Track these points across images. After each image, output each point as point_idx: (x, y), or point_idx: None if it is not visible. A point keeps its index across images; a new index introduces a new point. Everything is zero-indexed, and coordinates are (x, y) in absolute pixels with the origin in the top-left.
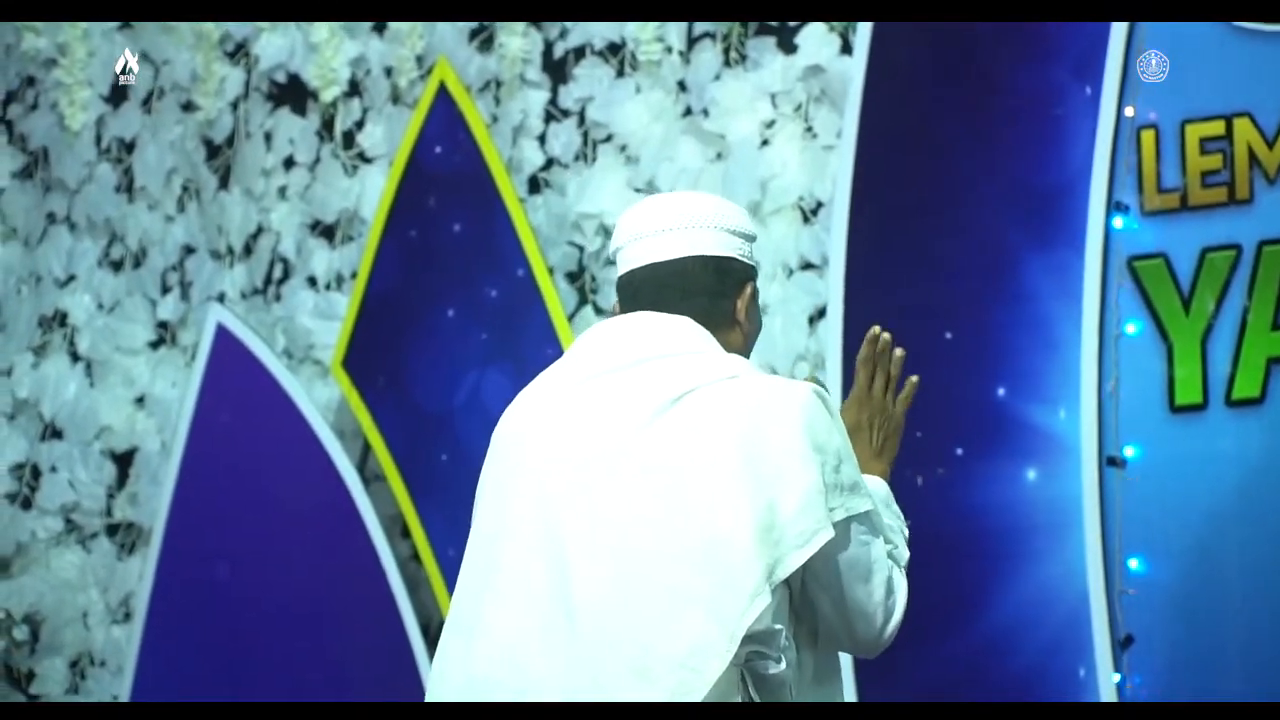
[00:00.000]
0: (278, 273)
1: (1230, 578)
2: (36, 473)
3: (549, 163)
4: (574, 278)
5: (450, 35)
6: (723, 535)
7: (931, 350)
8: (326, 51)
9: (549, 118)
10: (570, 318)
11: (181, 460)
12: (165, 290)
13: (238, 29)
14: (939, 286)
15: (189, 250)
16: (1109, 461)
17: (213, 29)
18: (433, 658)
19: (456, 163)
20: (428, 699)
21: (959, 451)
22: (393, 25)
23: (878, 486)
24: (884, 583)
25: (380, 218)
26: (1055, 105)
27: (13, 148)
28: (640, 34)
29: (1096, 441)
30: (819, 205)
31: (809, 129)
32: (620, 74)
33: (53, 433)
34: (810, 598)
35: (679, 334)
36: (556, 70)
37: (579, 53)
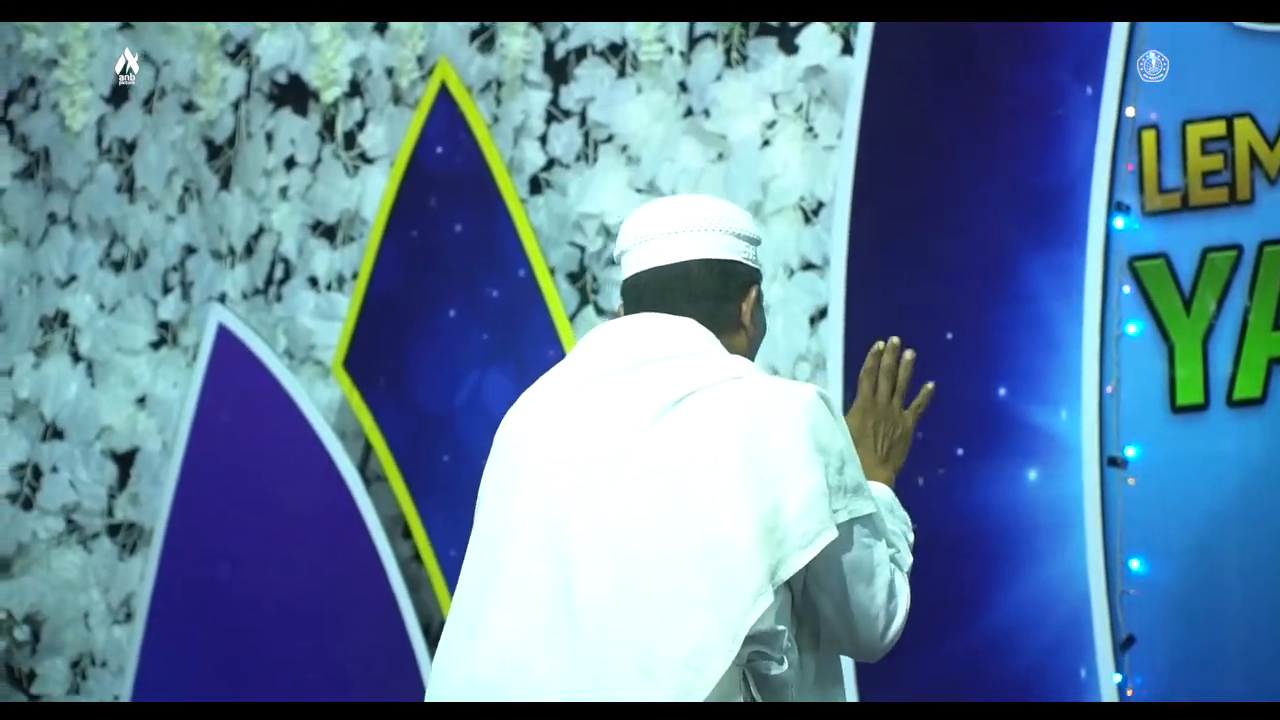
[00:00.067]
0: (279, 273)
1: (1231, 578)
2: (38, 473)
3: (550, 163)
4: (575, 278)
5: (451, 36)
6: (725, 536)
7: (932, 350)
8: (327, 52)
9: (550, 118)
10: (571, 318)
11: (183, 460)
12: (166, 290)
13: (239, 29)
14: (940, 286)
15: (190, 250)
16: (1110, 462)
17: (214, 29)
18: (433, 658)
19: (458, 163)
20: (428, 699)
21: (960, 452)
22: (394, 26)
23: (882, 492)
24: (886, 586)
25: (381, 218)
26: (1056, 105)
27: (14, 148)
28: (641, 34)
29: (1097, 442)
30: (820, 205)
31: (810, 129)
32: (621, 74)
33: (54, 433)
34: (812, 600)
35: (682, 335)
36: (558, 71)
37: (580, 53)
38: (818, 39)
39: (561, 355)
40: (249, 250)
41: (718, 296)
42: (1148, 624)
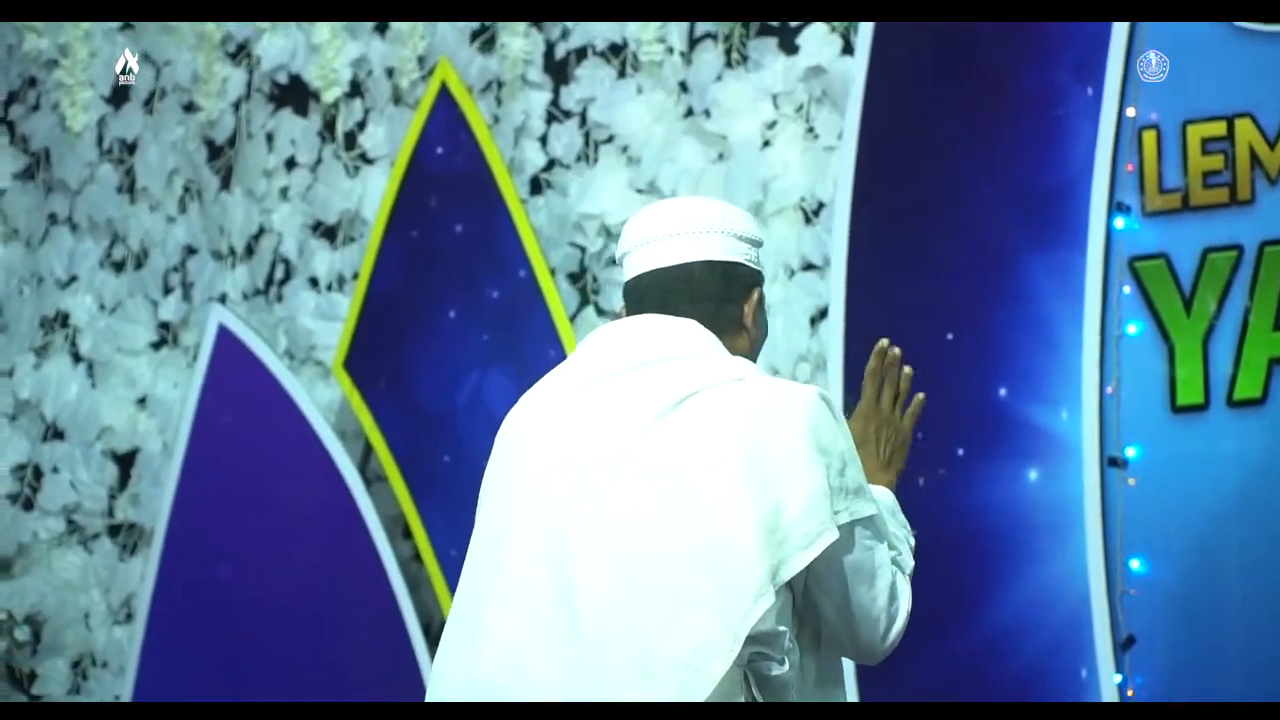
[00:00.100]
0: (279, 273)
1: (1231, 578)
2: (38, 473)
3: (550, 163)
4: (576, 278)
5: (452, 36)
6: (726, 537)
7: (933, 351)
8: (328, 52)
9: (550, 118)
10: (572, 319)
11: (183, 461)
12: (167, 291)
13: (239, 30)
14: (940, 287)
15: (190, 251)
16: (1110, 462)
17: (214, 30)
18: (434, 659)
19: (458, 163)
20: (428, 699)
21: (960, 452)
22: (394, 26)
23: (884, 496)
24: (887, 588)
25: (382, 218)
26: (1056, 105)
27: (14, 148)
28: (642, 35)
29: (1098, 442)
30: (820, 206)
31: (810, 130)
32: (622, 75)
33: (54, 433)
34: (813, 601)
35: (684, 337)
36: (558, 71)
37: (580, 53)
38: (818, 39)
39: (562, 356)
40: (249, 251)
41: (719, 298)
42: (1148, 624)
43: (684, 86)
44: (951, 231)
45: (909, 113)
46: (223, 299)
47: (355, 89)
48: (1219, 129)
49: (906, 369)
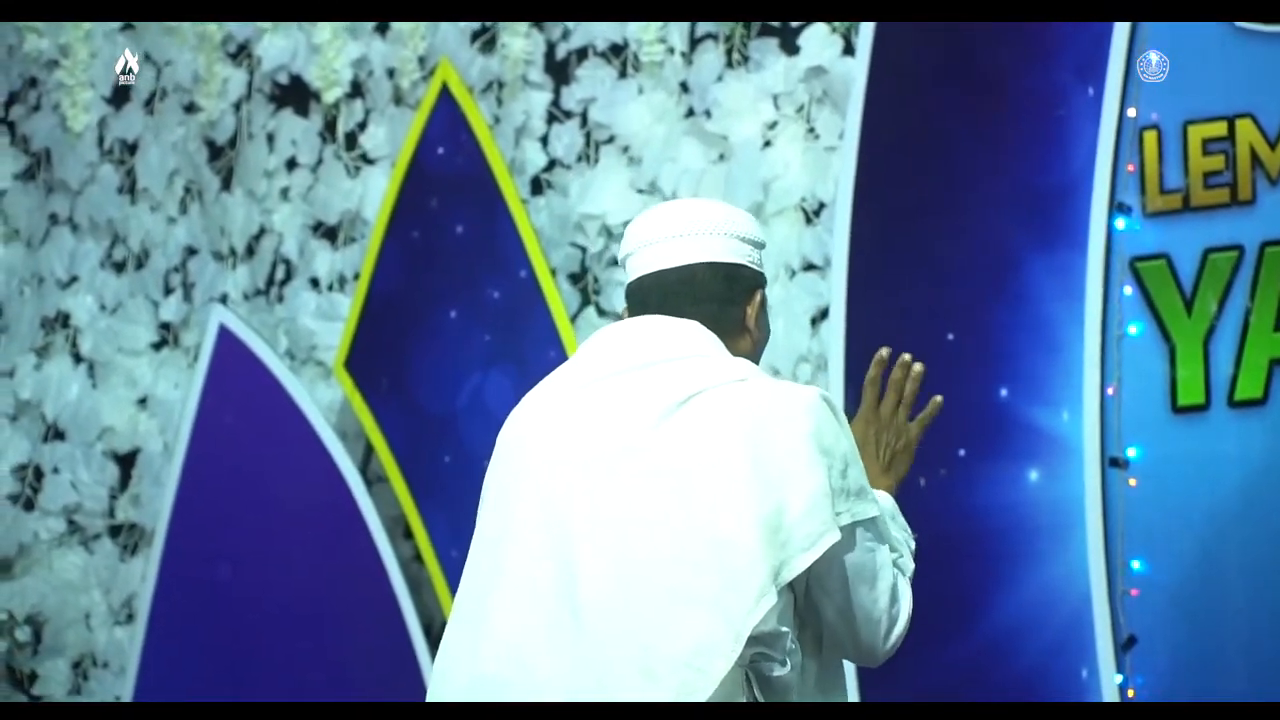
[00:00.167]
0: (280, 274)
1: (1232, 578)
2: (39, 474)
3: (551, 164)
4: (576, 279)
5: (452, 36)
6: (729, 537)
7: (933, 351)
8: (329, 53)
9: (551, 119)
10: (573, 319)
11: (184, 461)
12: (168, 291)
13: (240, 30)
14: (941, 287)
15: (191, 251)
16: (1111, 463)
17: (215, 30)
18: (435, 659)
19: (459, 164)
20: (429, 699)
21: (961, 453)
22: (395, 26)
23: (884, 501)
24: (889, 590)
25: (382, 219)
26: (1057, 106)
27: (15, 149)
28: (642, 35)
29: (1099, 442)
30: (821, 206)
31: (811, 130)
32: (622, 75)
33: (55, 434)
34: (814, 603)
35: (687, 337)
36: (559, 71)
37: (581, 54)
38: (819, 40)
39: (563, 356)
40: (250, 251)
41: (722, 300)
42: (1149, 624)
43: (685, 87)
44: (952, 232)
45: (910, 113)
46: (224, 299)
47: (356, 89)
48: (1220, 129)
49: (917, 366)
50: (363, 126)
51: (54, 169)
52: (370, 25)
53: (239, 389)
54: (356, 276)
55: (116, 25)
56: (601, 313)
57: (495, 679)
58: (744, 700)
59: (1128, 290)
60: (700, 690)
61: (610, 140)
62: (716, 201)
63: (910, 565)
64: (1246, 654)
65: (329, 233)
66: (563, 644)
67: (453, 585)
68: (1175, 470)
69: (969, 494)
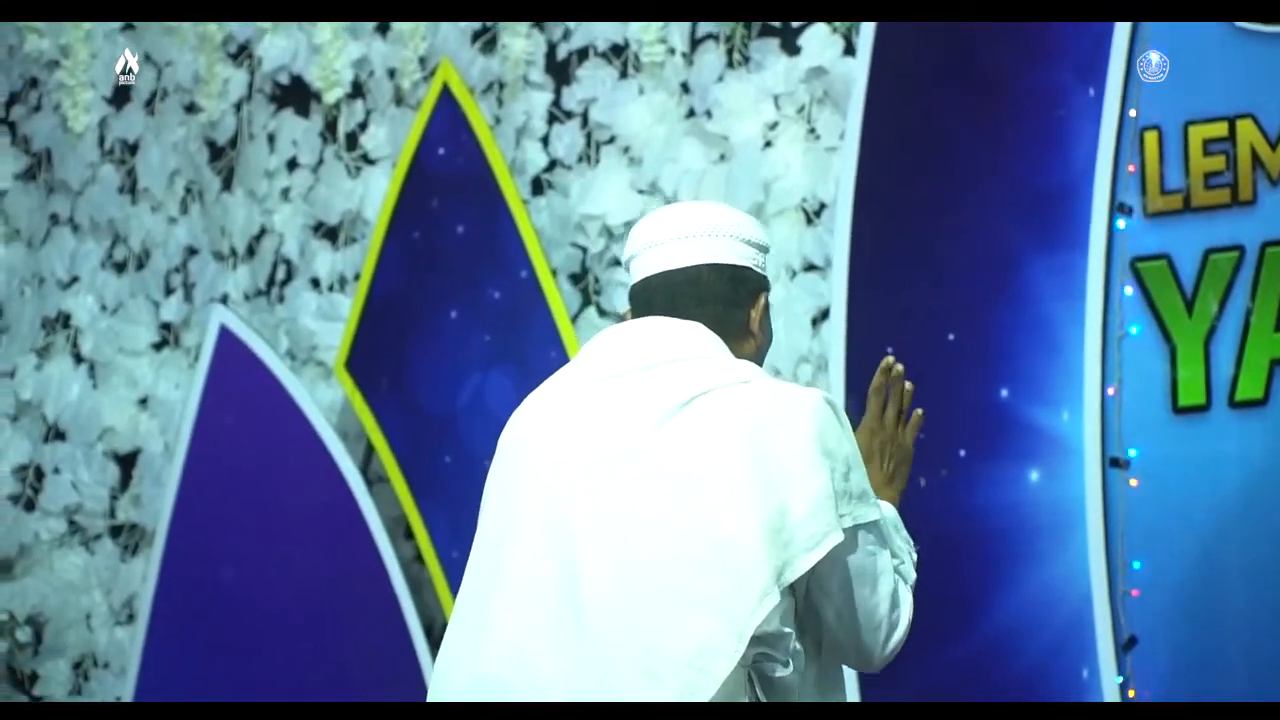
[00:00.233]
0: (281, 274)
1: (1233, 579)
2: (40, 474)
3: (552, 164)
4: (577, 279)
5: (453, 37)
6: (732, 537)
7: (934, 352)
8: (329, 53)
9: (552, 119)
10: (573, 319)
11: (184, 462)
12: (168, 292)
13: (240, 30)
14: (942, 288)
15: (192, 252)
16: (1112, 463)
17: (215, 30)
18: (435, 659)
19: (460, 164)
20: (430, 699)
21: (962, 453)
22: (396, 26)
23: (887, 511)
24: (889, 595)
25: (383, 219)
26: (1058, 106)
27: (16, 149)
28: (643, 35)
29: (1099, 443)
30: (822, 207)
31: (812, 130)
32: (623, 75)
33: (56, 434)
34: (814, 606)
35: (690, 339)
36: (559, 72)
37: (582, 54)
38: (820, 40)
39: (563, 356)
40: (251, 251)
41: (727, 302)
42: (1149, 625)
43: (685, 87)
44: (953, 232)
45: (910, 113)
46: (224, 300)
47: (357, 90)
48: (1220, 130)
49: (908, 385)
50: (363, 127)
51: (55, 169)
52: (371, 25)
53: (240, 389)
54: (357, 277)
55: (117, 25)
56: (602, 313)
57: (497, 679)
58: (746, 700)
59: (1128, 291)
60: (703, 690)
61: (611, 140)
62: (722, 205)
63: (912, 575)
64: (1247, 654)
65: (330, 233)
66: (565, 644)
67: (453, 586)
68: (1176, 471)
69: (969, 494)
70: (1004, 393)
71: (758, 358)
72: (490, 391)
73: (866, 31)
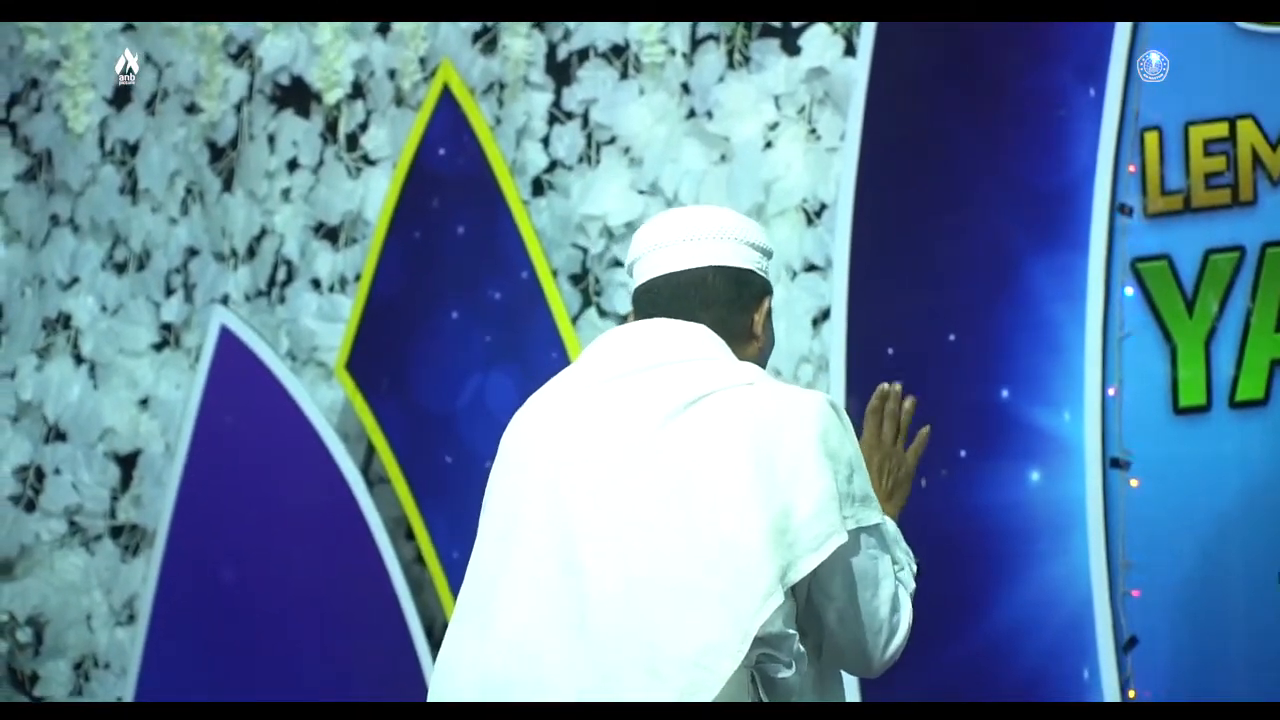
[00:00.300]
0: (281, 275)
1: (1233, 579)
2: (40, 475)
3: (553, 165)
4: (578, 280)
5: (454, 37)
6: (735, 537)
7: (935, 352)
8: (330, 53)
9: (552, 120)
10: (574, 320)
11: (185, 462)
12: (169, 292)
13: (241, 31)
14: (942, 288)
15: (192, 252)
16: (1112, 463)
17: (216, 31)
18: (435, 659)
19: (460, 165)
20: (430, 698)
21: (963, 453)
22: (396, 27)
23: (888, 526)
24: (890, 599)
25: (384, 220)
26: (1059, 107)
27: (16, 150)
28: (644, 36)
29: (1100, 443)
30: (822, 207)
31: (812, 131)
32: (624, 76)
33: (56, 435)
34: (816, 609)
35: (694, 340)
36: (560, 72)
37: (582, 55)
38: (820, 40)
39: (564, 357)
40: (251, 252)
41: (731, 304)
42: (1150, 625)
43: (686, 88)
44: (953, 233)
45: (911, 114)
46: (225, 300)
47: (357, 90)
48: (1221, 130)
49: (908, 403)
50: (364, 127)
51: (55, 170)
52: (371, 26)
53: (240, 390)
54: (358, 277)
55: (118, 26)
56: (603, 314)
57: (499, 678)
58: (748, 700)
59: (1129, 291)
60: (707, 690)
61: (611, 141)
62: (726, 209)
63: (912, 583)
64: (1247, 654)
65: (330, 234)
66: (568, 643)
67: (454, 586)
68: (1176, 471)
69: (970, 494)
70: (1004, 393)
71: (760, 360)
72: (491, 392)
73: (867, 32)
